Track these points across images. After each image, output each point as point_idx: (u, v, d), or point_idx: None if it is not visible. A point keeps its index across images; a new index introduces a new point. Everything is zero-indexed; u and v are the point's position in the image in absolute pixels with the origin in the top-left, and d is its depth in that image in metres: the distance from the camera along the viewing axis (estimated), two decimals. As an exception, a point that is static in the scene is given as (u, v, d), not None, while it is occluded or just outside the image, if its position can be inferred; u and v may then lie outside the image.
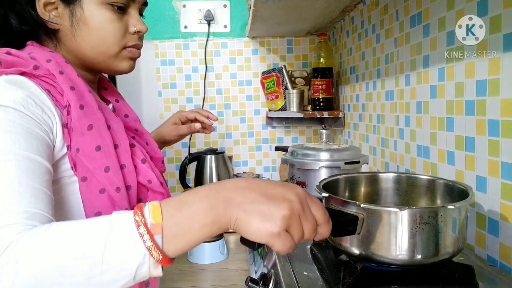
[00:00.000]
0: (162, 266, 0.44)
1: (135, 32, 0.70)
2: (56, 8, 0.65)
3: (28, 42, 0.66)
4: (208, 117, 1.03)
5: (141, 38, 0.73)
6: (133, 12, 0.70)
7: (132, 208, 0.50)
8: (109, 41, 0.67)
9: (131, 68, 0.73)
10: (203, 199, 0.45)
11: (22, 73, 0.58)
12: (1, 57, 0.59)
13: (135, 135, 0.74)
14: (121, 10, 0.68)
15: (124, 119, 0.75)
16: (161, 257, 0.43)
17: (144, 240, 0.42)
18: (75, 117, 0.59)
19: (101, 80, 0.79)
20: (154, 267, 0.43)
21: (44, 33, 0.67)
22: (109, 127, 0.64)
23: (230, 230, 0.46)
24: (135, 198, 0.64)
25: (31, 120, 0.53)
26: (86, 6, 0.65)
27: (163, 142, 1.07)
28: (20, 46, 0.65)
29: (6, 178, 0.47)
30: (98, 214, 0.58)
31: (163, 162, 0.77)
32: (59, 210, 0.57)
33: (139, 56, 0.74)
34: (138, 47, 0.73)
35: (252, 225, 0.44)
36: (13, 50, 0.61)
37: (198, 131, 1.02)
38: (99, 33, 0.66)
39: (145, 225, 0.43)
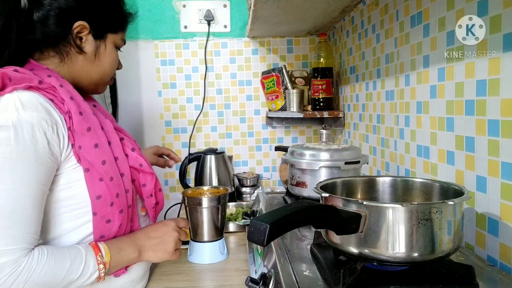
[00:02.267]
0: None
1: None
2: (85, 36, 0.79)
3: (30, 61, 0.77)
4: (173, 158, 1.30)
5: None
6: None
7: (125, 190, 0.79)
8: (110, 74, 0.87)
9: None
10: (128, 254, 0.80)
11: (30, 87, 0.69)
12: (11, 74, 0.69)
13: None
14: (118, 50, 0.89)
15: None
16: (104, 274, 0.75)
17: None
18: (76, 121, 0.73)
19: None
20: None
21: (56, 50, 0.78)
22: (102, 128, 0.79)
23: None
24: (130, 181, 0.82)
25: (42, 146, 0.67)
26: (108, 45, 0.84)
27: None
28: (19, 57, 0.76)
29: (23, 206, 0.66)
30: (99, 196, 0.75)
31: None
32: (72, 191, 0.75)
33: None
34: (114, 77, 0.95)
35: (159, 257, 0.86)
36: (19, 68, 0.72)
37: (169, 166, 1.29)
38: (109, 67, 0.86)
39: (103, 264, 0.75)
